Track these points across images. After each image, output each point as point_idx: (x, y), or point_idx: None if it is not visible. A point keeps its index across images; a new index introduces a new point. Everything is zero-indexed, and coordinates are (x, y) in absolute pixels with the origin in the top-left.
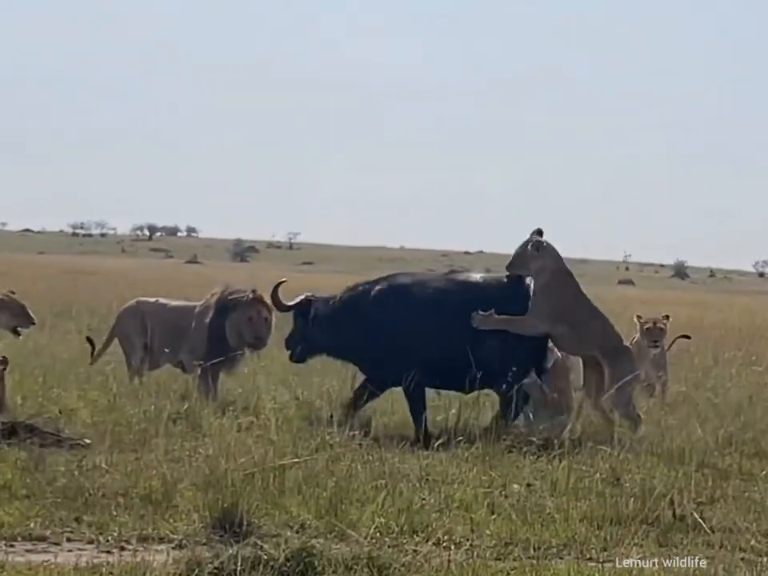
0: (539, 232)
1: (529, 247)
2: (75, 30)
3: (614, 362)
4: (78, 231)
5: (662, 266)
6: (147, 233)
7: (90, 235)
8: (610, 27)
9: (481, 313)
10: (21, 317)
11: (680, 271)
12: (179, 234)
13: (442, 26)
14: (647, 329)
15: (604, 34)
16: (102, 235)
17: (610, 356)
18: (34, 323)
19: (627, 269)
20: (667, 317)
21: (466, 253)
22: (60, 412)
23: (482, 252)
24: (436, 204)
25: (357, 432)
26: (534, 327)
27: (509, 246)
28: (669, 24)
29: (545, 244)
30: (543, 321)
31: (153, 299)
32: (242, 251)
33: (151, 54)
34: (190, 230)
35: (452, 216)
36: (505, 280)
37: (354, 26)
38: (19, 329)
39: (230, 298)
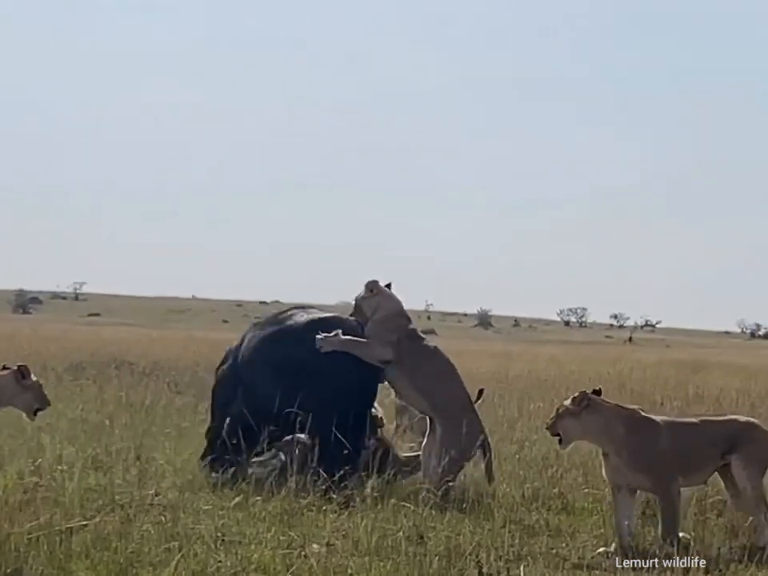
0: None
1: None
2: None
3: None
4: None
5: (465, 315)
6: None
7: None
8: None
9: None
10: (42, 398)
11: (484, 320)
12: None
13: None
14: None
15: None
16: None
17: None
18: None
19: (429, 318)
20: None
21: (262, 303)
22: None
23: (278, 302)
24: (229, 252)
25: (150, 492)
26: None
27: (307, 296)
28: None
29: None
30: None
31: None
32: (25, 302)
33: None
34: None
35: (246, 265)
36: None
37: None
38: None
39: None
